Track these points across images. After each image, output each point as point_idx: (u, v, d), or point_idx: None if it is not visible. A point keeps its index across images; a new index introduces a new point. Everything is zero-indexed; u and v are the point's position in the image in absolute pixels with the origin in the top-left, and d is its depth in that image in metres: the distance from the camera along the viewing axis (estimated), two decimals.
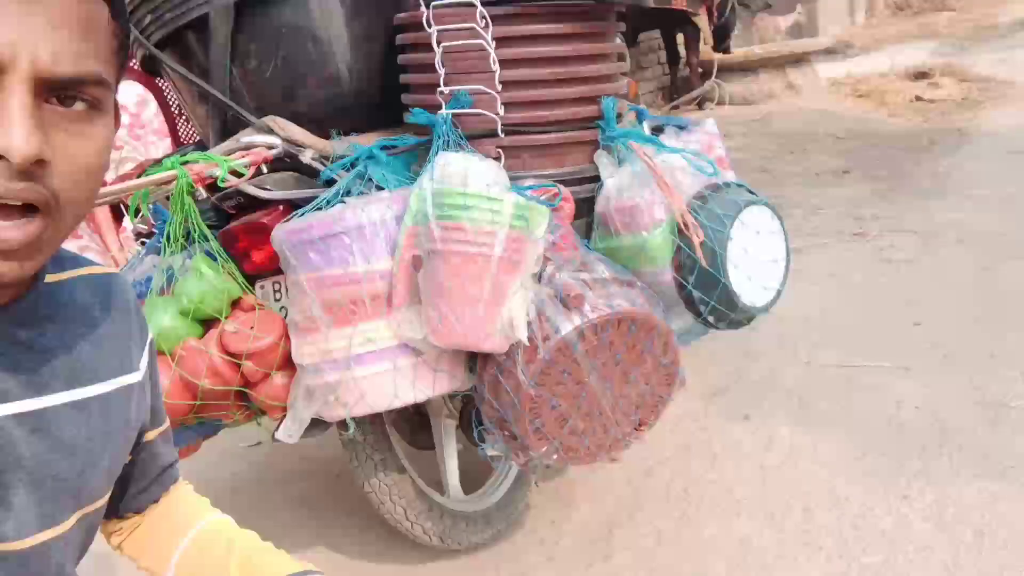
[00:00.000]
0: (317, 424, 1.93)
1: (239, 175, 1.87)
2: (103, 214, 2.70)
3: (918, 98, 8.17)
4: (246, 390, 1.88)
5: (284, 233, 1.78)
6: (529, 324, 1.72)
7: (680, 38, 7.68)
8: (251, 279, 2.01)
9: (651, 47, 8.47)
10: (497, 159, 1.86)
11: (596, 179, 1.97)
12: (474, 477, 2.57)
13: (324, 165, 1.94)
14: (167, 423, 1.04)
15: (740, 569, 2.08)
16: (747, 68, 8.13)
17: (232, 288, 1.88)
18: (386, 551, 2.47)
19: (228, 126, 2.15)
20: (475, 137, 1.86)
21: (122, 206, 2.36)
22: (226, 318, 1.89)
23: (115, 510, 1.01)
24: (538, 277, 1.76)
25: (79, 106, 0.67)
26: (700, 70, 7.70)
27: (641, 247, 1.88)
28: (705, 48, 7.73)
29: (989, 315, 3.23)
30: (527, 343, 1.70)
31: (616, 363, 1.79)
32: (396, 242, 1.71)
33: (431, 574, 2.34)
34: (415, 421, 2.59)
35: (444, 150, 1.79)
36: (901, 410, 2.66)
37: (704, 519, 2.31)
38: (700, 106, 8.40)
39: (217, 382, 1.82)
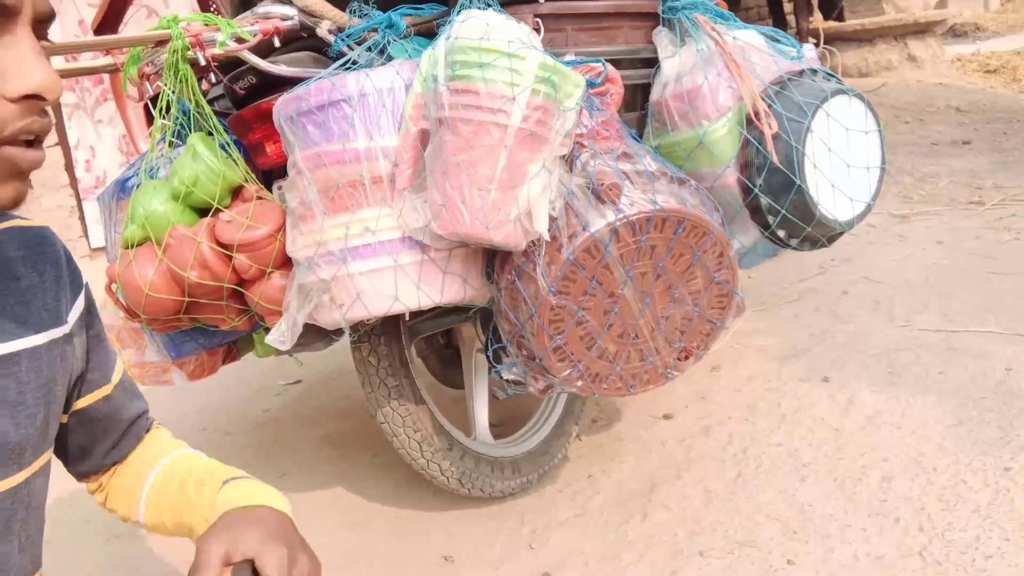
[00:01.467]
0: (316, 332, 1.71)
1: (244, 43, 1.66)
2: (134, 115, 2.55)
3: None
4: (240, 289, 1.68)
5: (281, 104, 1.55)
6: (554, 218, 1.44)
7: (790, 5, 7.17)
8: (268, 178, 1.81)
9: (760, 15, 7.97)
10: (536, 31, 1.58)
11: (654, 63, 1.67)
12: (515, 423, 2.33)
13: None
14: (121, 375, 1.01)
15: (797, 536, 1.75)
16: (863, 38, 7.50)
17: (231, 173, 1.68)
18: (406, 495, 2.25)
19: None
20: (510, 4, 1.58)
21: (149, 104, 2.20)
22: (226, 208, 1.70)
23: (92, 469, 1.02)
24: (569, 164, 1.48)
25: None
26: (812, 39, 7.17)
27: (700, 141, 1.57)
28: (816, 16, 7.19)
29: None
30: (549, 239, 1.43)
31: (658, 275, 1.49)
32: (403, 114, 1.46)
33: (449, 520, 2.10)
34: (446, 355, 2.36)
35: None
36: (1010, 377, 2.24)
37: (763, 482, 1.98)
38: None
39: (205, 275, 1.62)
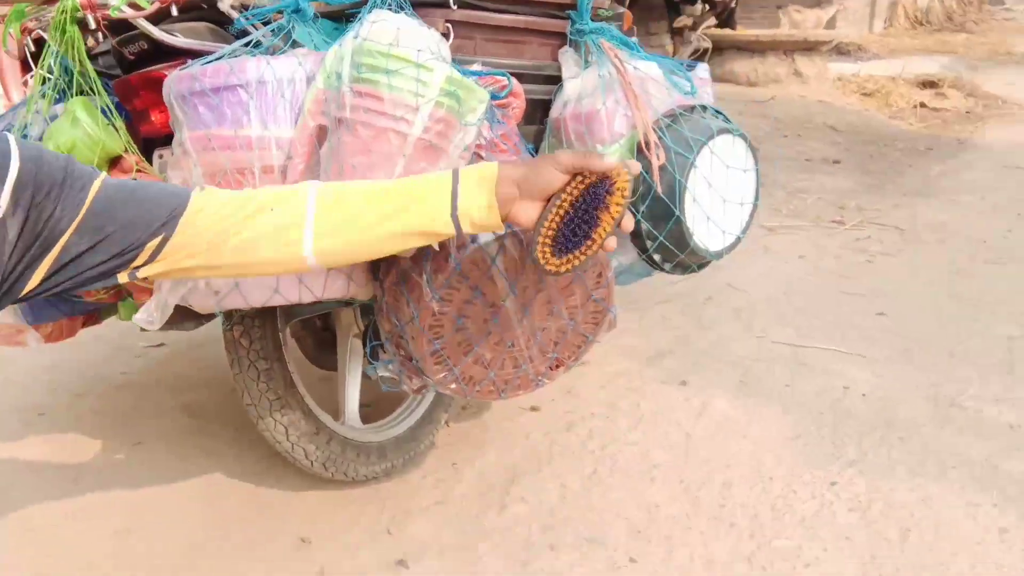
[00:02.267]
0: (187, 314, 1.67)
1: (140, 10, 1.58)
2: (9, 63, 2.37)
3: (923, 105, 7.96)
4: None
5: (173, 81, 1.49)
6: None
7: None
8: (150, 145, 1.74)
9: (661, 13, 8.14)
10: (445, 36, 1.58)
11: (556, 80, 1.71)
12: (385, 405, 2.35)
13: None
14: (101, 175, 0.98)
15: (642, 536, 1.88)
16: (755, 49, 7.84)
17: (111, 142, 1.60)
18: (267, 473, 2.23)
19: None
20: (421, 5, 1.57)
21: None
22: None
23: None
24: None
25: None
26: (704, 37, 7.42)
27: None
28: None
29: (957, 315, 3.05)
30: (436, 248, 1.45)
31: (539, 289, 1.55)
32: (302, 107, 1.44)
33: (309, 501, 2.11)
34: (321, 337, 2.34)
35: None
36: (847, 396, 2.46)
37: (616, 481, 2.10)
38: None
39: None
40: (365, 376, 2.65)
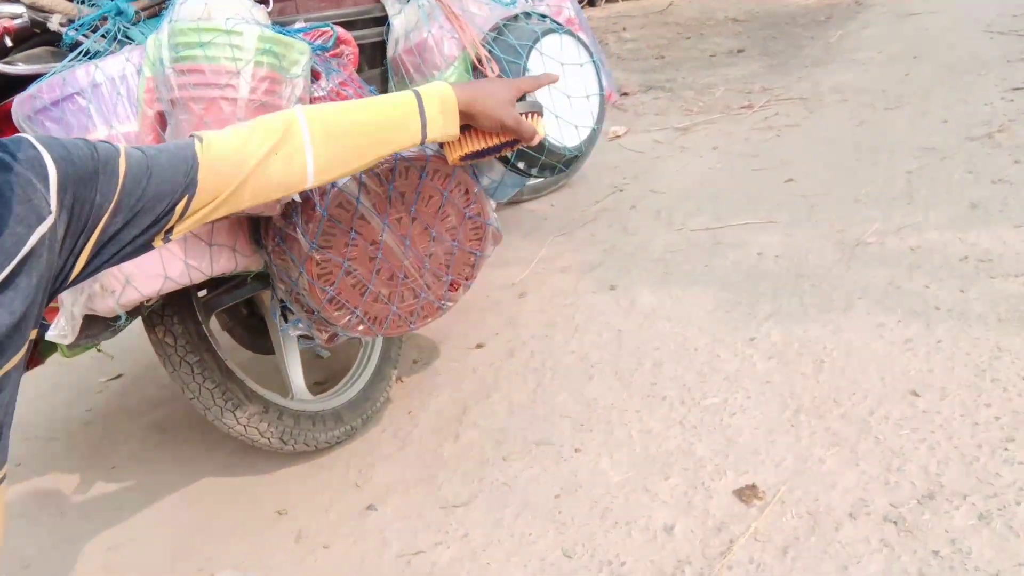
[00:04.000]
0: (100, 322, 1.75)
1: None
2: None
3: None
4: None
5: (17, 105, 1.56)
6: None
7: None
8: None
9: None
10: (263, 2, 1.65)
11: (384, 21, 1.78)
12: (338, 375, 2.45)
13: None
14: (122, 150, 1.01)
15: (584, 428, 1.99)
16: None
17: None
18: (238, 464, 2.33)
19: None
20: None
21: None
22: None
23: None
24: None
25: None
26: None
27: None
28: None
29: (860, 164, 3.16)
30: (301, 200, 1.53)
31: (413, 218, 1.63)
32: (138, 99, 1.51)
33: (280, 478, 2.21)
34: (252, 324, 2.42)
35: None
36: (762, 261, 2.57)
37: (557, 387, 2.21)
38: (592, 3, 8.15)
39: None
40: (317, 357, 2.76)
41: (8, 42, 1.72)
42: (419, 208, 1.63)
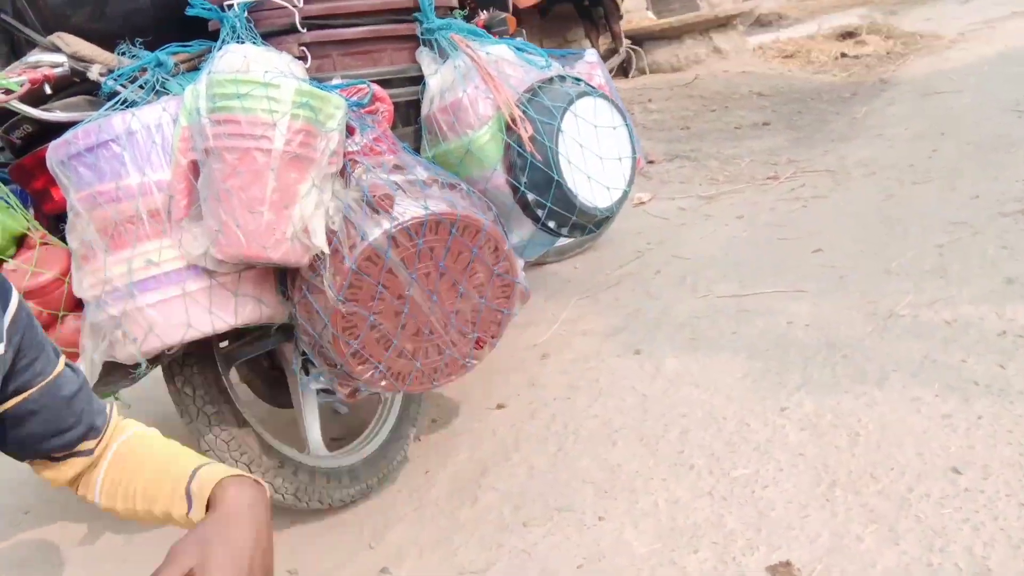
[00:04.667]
0: (120, 370, 1.73)
1: (10, 94, 1.66)
2: None
3: (843, 55, 8.14)
4: None
5: (52, 150, 1.57)
6: (334, 232, 1.53)
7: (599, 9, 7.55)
8: (61, 220, 1.81)
9: (576, 19, 8.33)
10: (302, 59, 1.67)
11: (420, 80, 1.80)
12: (358, 432, 2.40)
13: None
14: (53, 372, 1.01)
15: (608, 495, 1.92)
16: (671, 36, 8.03)
17: (12, 223, 1.67)
18: None
19: (16, 50, 1.93)
20: (273, 35, 1.67)
21: None
22: (11, 258, 1.69)
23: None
24: (344, 179, 1.58)
25: None
26: (627, 40, 7.59)
27: (468, 148, 1.71)
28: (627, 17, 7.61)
29: (889, 236, 3.12)
30: (330, 252, 1.52)
31: (441, 273, 1.62)
32: (172, 148, 1.51)
33: (293, 535, 2.16)
34: (272, 377, 2.40)
35: None
36: (791, 330, 2.52)
37: (580, 451, 2.15)
38: (625, 73, 8.30)
39: None
40: (334, 412, 2.72)
41: (48, 90, 1.75)
42: (448, 263, 1.61)
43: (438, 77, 1.74)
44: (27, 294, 1.60)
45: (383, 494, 2.25)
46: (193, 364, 1.93)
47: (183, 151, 1.49)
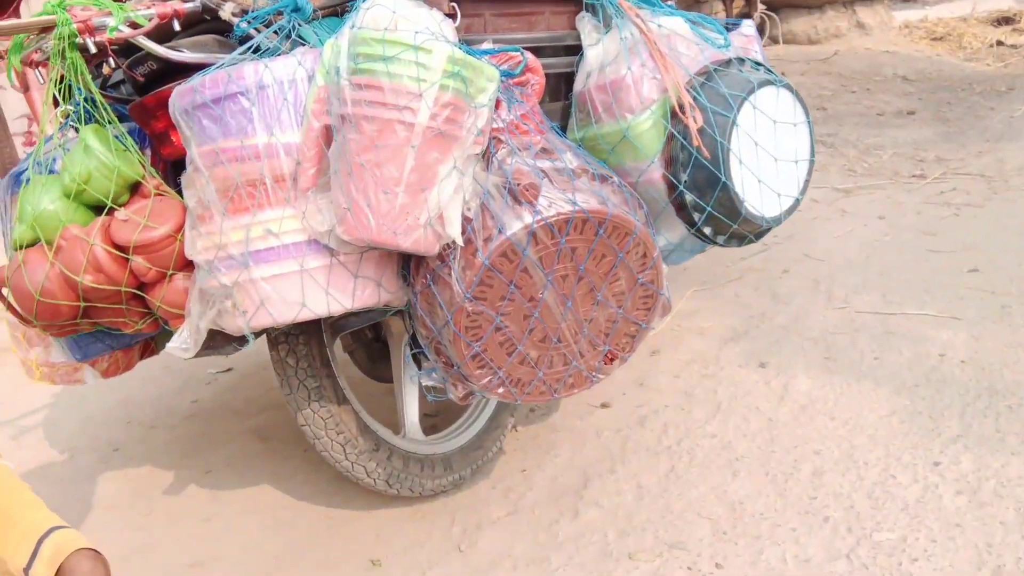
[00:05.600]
0: (222, 337, 1.62)
1: (139, 28, 1.54)
2: (39, 96, 2.39)
3: (999, 43, 7.45)
4: (140, 292, 1.58)
5: (176, 96, 1.44)
6: (469, 220, 1.36)
7: None
8: (179, 168, 1.69)
9: None
10: (451, 16, 1.48)
11: (578, 50, 1.59)
12: (450, 414, 2.27)
13: None
14: None
15: (727, 537, 1.73)
16: (812, 5, 7.48)
17: (128, 168, 1.56)
18: (336, 493, 2.17)
19: None
20: None
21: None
22: (123, 206, 1.58)
23: None
24: (485, 162, 1.40)
25: None
26: (762, 6, 7.09)
27: (624, 134, 1.50)
28: None
29: None
30: (462, 243, 1.35)
31: (580, 277, 1.43)
32: (305, 108, 1.36)
33: (379, 520, 2.04)
34: (375, 349, 2.27)
35: None
36: (944, 364, 2.24)
37: (695, 476, 1.95)
38: None
39: (100, 279, 1.51)
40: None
41: (177, 26, 1.62)
42: (589, 267, 1.42)
43: (599, 49, 1.53)
44: (136, 249, 1.50)
45: (476, 488, 2.11)
46: (299, 334, 1.81)
47: (317, 113, 1.33)
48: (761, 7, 6.76)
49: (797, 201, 1.57)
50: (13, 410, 2.81)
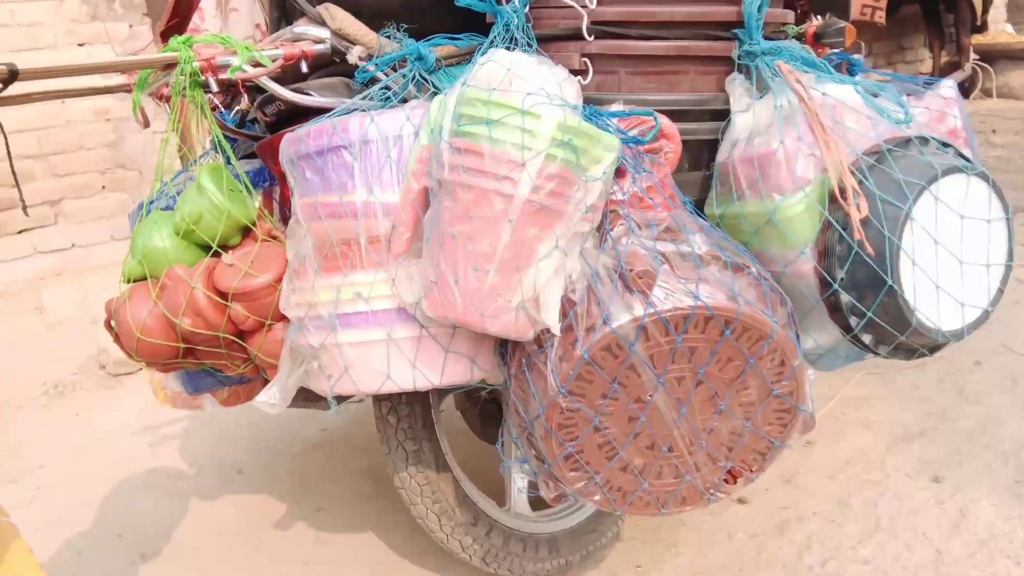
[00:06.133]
0: (314, 396, 1.53)
1: (263, 68, 1.50)
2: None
3: None
4: (238, 340, 1.53)
5: (285, 143, 1.38)
6: (573, 304, 1.19)
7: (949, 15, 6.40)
8: None
9: (917, 24, 7.21)
10: (581, 73, 1.33)
11: (725, 115, 1.38)
12: None
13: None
14: None
15: None
16: None
17: (238, 211, 1.52)
18: (436, 555, 2.05)
19: (287, 17, 1.78)
20: (551, 39, 1.34)
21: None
22: (232, 250, 1.55)
23: None
24: (599, 239, 1.23)
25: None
26: (974, 56, 6.38)
27: (770, 217, 1.27)
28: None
29: None
30: (557, 333, 1.18)
31: (698, 382, 1.22)
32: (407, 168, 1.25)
33: None
34: (488, 409, 2.14)
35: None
36: None
37: None
38: (966, 96, 7.05)
39: (199, 324, 1.47)
40: None
41: (304, 68, 1.57)
42: (711, 371, 1.21)
43: (749, 116, 1.31)
44: (235, 296, 1.45)
45: None
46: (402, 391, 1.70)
47: (417, 175, 1.22)
48: (974, 57, 6.07)
49: (987, 313, 1.28)
50: (158, 418, 2.92)
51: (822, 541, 1.92)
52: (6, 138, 1.46)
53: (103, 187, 5.12)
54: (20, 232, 4.87)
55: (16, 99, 1.46)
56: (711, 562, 1.91)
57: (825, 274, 1.25)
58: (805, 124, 1.23)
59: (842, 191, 1.20)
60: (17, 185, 1.51)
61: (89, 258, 5.01)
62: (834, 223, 1.22)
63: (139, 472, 2.63)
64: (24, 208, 1.56)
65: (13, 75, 1.23)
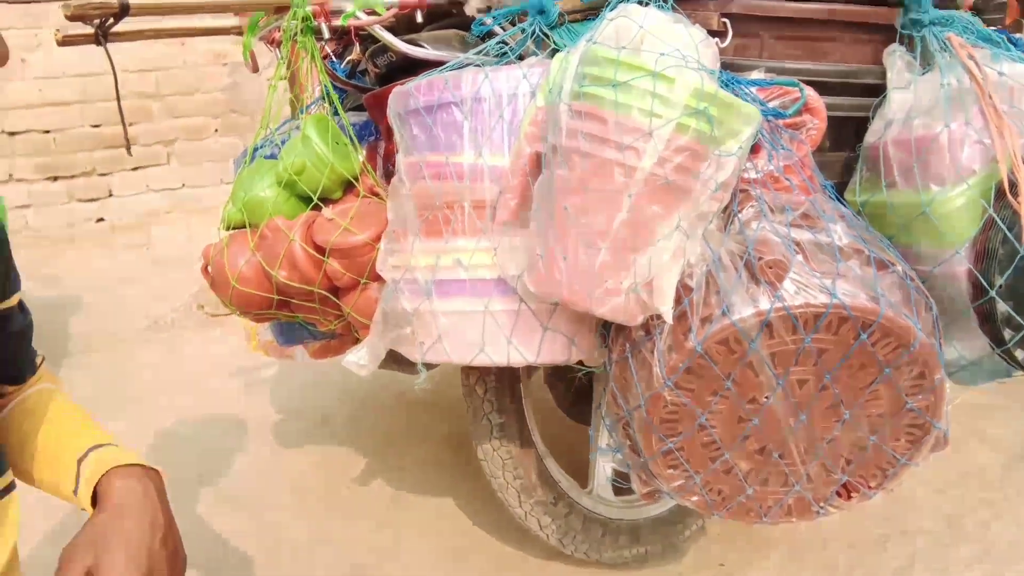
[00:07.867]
0: (404, 360, 1.48)
1: (377, 16, 1.43)
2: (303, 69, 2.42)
3: None
4: (332, 296, 1.49)
5: (393, 97, 1.31)
6: (689, 291, 1.09)
7: None
8: None
9: None
10: (719, 34, 1.20)
11: (879, 91, 1.23)
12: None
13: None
14: (6, 303, 0.90)
15: None
16: None
17: (343, 164, 1.47)
18: (514, 533, 1.99)
19: None
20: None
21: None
22: (333, 204, 1.50)
23: None
24: (725, 221, 1.11)
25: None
26: None
27: (924, 210, 1.13)
28: None
29: None
30: (670, 320, 1.08)
31: (823, 387, 1.10)
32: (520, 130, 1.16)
33: (550, 574, 1.84)
34: (579, 387, 2.06)
35: None
36: None
37: None
38: None
39: (294, 277, 1.44)
40: None
41: (419, 18, 1.50)
42: (839, 376, 1.09)
43: (909, 93, 1.16)
44: (332, 252, 1.40)
45: (664, 569, 1.83)
46: None
47: (530, 138, 1.13)
48: None
49: None
50: (250, 361, 2.96)
51: (927, 561, 1.78)
52: (116, 76, 1.44)
53: (215, 130, 5.23)
54: (135, 169, 5.04)
55: (127, 35, 1.44)
56: (801, 570, 1.80)
57: (981, 278, 1.10)
58: (975, 107, 1.08)
59: (1012, 186, 1.05)
60: (123, 123, 1.49)
61: (198, 199, 5.16)
62: (999, 221, 1.07)
63: (226, 414, 2.67)
64: (128, 147, 1.55)
65: (124, 9, 1.20)
